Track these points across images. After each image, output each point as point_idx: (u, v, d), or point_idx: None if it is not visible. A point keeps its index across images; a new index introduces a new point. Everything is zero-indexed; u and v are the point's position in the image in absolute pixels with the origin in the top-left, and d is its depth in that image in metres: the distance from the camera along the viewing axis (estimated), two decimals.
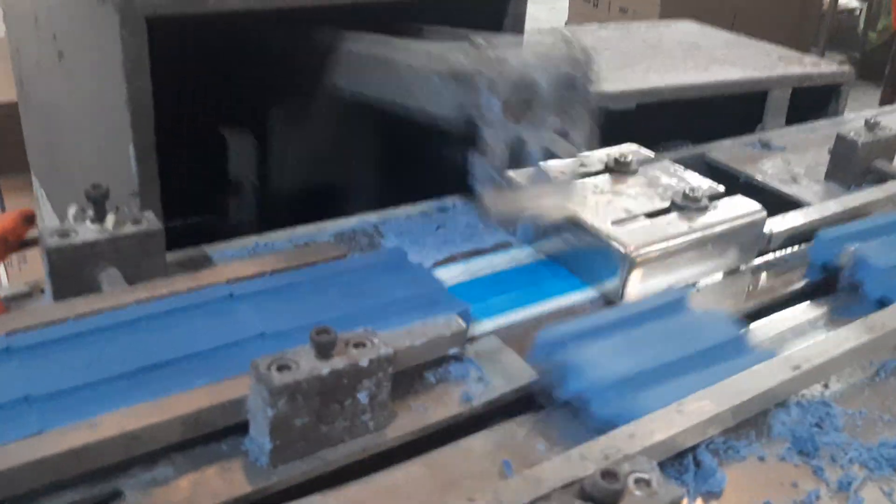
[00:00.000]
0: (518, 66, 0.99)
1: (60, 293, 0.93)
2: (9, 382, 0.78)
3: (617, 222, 1.13)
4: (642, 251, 1.07)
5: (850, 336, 0.95)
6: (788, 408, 0.90)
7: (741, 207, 1.20)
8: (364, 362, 0.78)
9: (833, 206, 1.31)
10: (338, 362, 0.77)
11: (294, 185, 1.51)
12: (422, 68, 1.07)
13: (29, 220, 1.02)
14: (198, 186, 1.47)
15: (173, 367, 0.83)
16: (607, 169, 1.29)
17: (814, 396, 0.93)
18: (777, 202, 1.43)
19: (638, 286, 1.08)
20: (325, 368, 0.76)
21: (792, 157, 1.63)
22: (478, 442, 0.85)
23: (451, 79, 1.00)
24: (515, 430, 0.86)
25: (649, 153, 1.37)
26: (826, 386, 0.95)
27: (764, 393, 0.86)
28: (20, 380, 0.79)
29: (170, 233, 1.00)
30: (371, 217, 1.27)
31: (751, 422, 0.88)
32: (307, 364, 0.76)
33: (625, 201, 1.20)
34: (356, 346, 0.79)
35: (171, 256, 1.09)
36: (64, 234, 0.93)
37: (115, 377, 0.81)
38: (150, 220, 0.98)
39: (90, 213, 0.95)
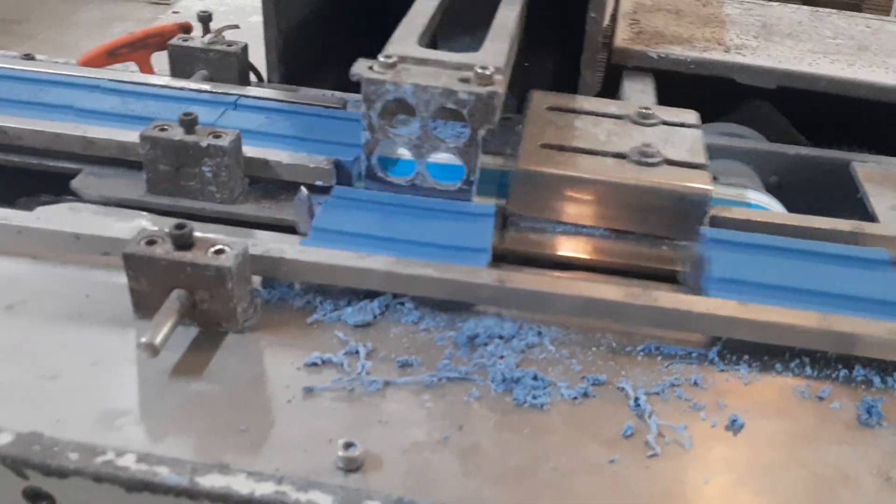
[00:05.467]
0: (406, 88, 1.08)
1: (174, 74, 1.48)
2: None
3: (548, 146, 1.21)
4: (526, 167, 1.16)
5: None
6: None
7: (685, 178, 1.15)
8: (204, 144, 1.14)
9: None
10: (189, 138, 1.15)
11: None
12: None
13: (185, 29, 1.57)
14: None
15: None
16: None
17: None
18: None
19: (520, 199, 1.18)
20: (177, 137, 1.15)
21: None
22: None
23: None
24: None
25: (695, 121, 1.32)
26: None
27: None
28: None
29: None
30: None
31: None
32: (173, 133, 1.16)
33: (597, 139, 1.24)
34: (215, 136, 1.16)
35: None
36: (185, 40, 1.47)
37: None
38: (237, 48, 1.45)
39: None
